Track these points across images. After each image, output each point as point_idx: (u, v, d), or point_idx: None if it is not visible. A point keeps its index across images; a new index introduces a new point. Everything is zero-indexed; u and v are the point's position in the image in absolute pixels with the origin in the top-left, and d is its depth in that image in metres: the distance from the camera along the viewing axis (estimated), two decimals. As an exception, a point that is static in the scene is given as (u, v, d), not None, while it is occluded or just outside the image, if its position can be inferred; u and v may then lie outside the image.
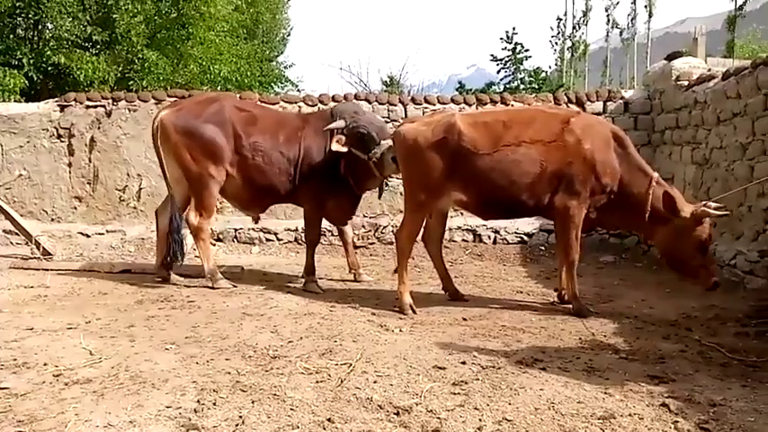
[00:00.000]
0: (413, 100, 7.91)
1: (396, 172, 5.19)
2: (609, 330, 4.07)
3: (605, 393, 2.84)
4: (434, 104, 7.79)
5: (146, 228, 7.38)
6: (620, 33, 25.66)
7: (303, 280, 5.40)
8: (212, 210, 5.47)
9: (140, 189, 7.62)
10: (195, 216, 5.30)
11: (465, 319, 4.32)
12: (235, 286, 5.25)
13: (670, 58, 7.17)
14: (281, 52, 22.58)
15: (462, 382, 2.97)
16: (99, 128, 7.60)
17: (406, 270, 4.71)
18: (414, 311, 4.50)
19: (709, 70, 6.76)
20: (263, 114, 5.57)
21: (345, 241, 5.92)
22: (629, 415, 2.60)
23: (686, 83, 6.78)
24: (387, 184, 6.63)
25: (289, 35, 23.50)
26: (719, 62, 8.42)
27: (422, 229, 4.93)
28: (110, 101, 7.64)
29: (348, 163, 5.28)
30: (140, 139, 7.55)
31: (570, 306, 4.62)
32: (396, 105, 7.78)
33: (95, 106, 7.61)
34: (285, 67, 21.20)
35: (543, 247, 7.28)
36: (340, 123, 5.26)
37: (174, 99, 7.59)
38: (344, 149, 5.13)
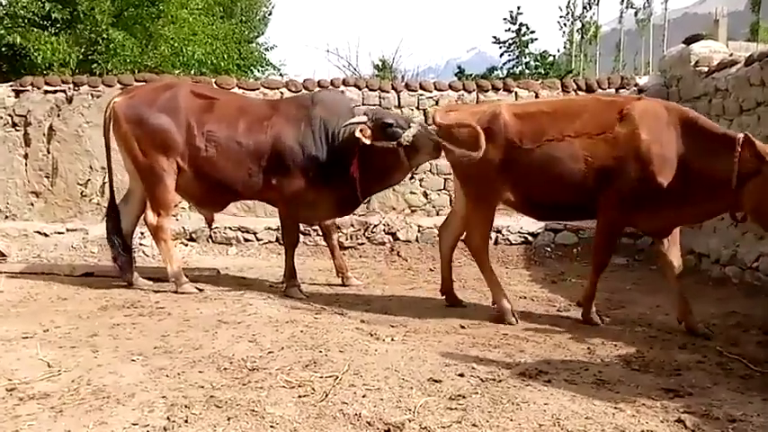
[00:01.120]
0: (407, 86, 7.92)
1: (431, 156, 5.19)
2: (620, 340, 4.09)
3: (615, 408, 2.86)
4: (430, 91, 7.81)
5: (111, 226, 7.32)
6: (635, 14, 25.88)
7: (284, 285, 5.39)
8: (170, 206, 5.47)
9: (104, 184, 7.54)
10: (153, 215, 5.30)
11: (463, 327, 4.34)
12: (201, 290, 5.24)
13: (688, 41, 7.21)
14: (262, 33, 22.49)
15: (460, 396, 2.98)
16: (59, 116, 7.55)
17: (492, 274, 4.76)
18: (516, 320, 4.52)
19: (731, 55, 6.79)
20: (224, 101, 5.50)
21: (331, 242, 5.92)
22: (641, 432, 2.63)
23: (706, 69, 6.82)
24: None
25: (270, 14, 23.43)
26: (742, 46, 8.45)
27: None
28: (71, 86, 7.60)
29: (364, 162, 5.21)
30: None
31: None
32: (388, 92, 7.78)
33: (54, 92, 7.56)
34: (266, 50, 21.12)
35: (549, 249, 7.31)
36: (361, 118, 5.22)
37: (143, 84, 7.57)
38: (368, 141, 5.08)
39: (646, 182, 4.18)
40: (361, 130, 5.08)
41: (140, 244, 7.11)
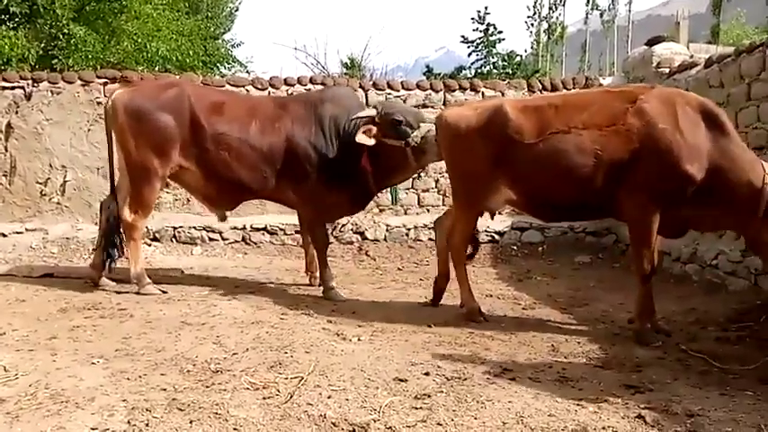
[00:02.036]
0: (374, 85, 7.92)
1: (439, 158, 5.09)
2: (583, 337, 4.16)
3: (578, 405, 2.91)
4: (398, 90, 7.83)
5: (71, 226, 7.20)
6: (601, 15, 26.30)
7: (322, 288, 5.37)
8: (150, 208, 5.39)
9: (65, 182, 7.41)
10: (130, 213, 5.22)
11: (431, 326, 4.36)
12: (165, 292, 5.17)
13: (651, 43, 7.36)
14: (228, 29, 22.28)
15: (425, 395, 2.99)
16: (17, 112, 7.35)
17: (465, 273, 4.71)
18: (484, 319, 4.53)
19: (692, 57, 6.96)
20: (232, 101, 5.45)
21: (308, 242, 5.84)
22: (603, 428, 2.67)
23: (667, 70, 6.98)
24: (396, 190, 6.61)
25: (237, 10, 23.22)
26: (702, 48, 8.68)
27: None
28: (29, 82, 7.39)
29: (373, 156, 5.18)
30: (65, 125, 7.35)
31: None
32: (356, 91, 7.76)
33: (12, 88, 7.35)
34: (233, 46, 20.93)
35: (515, 247, 7.40)
36: (371, 111, 5.18)
37: (104, 80, 7.44)
38: (372, 142, 5.04)
39: (669, 174, 3.91)
40: (364, 132, 5.03)
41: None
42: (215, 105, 5.28)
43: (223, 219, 5.91)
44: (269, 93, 7.48)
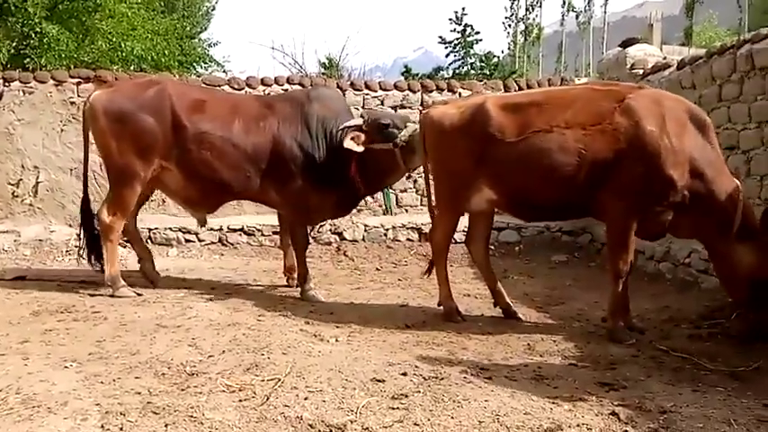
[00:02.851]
0: (352, 85, 7.93)
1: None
2: (559, 335, 4.20)
3: (553, 403, 2.93)
4: (376, 90, 7.84)
5: (44, 228, 7.10)
6: (577, 17, 26.56)
7: (300, 290, 5.33)
8: (129, 210, 5.32)
9: (37, 183, 7.30)
10: (108, 214, 5.16)
11: (408, 326, 4.37)
12: (140, 294, 5.12)
13: (625, 44, 7.46)
14: (205, 28, 22.16)
15: (402, 395, 3.00)
16: (-13, 112, 7.23)
17: (445, 273, 4.68)
18: (462, 318, 4.53)
19: (665, 58, 7.07)
20: (215, 100, 5.39)
21: (287, 243, 5.81)
22: (577, 425, 2.70)
23: (641, 71, 7.07)
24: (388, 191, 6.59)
25: (213, 9, 23.11)
26: (675, 50, 8.85)
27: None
28: (0, 81, 7.27)
29: (362, 162, 5.15)
30: (37, 125, 7.25)
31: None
32: (333, 91, 7.76)
33: (-18, 87, 7.23)
34: (209, 46, 20.82)
35: (492, 247, 7.39)
36: (358, 121, 5.15)
37: (78, 80, 7.34)
38: (360, 149, 5.02)
39: (654, 176, 3.88)
40: (352, 138, 5.01)
41: (76, 246, 6.90)
42: (197, 104, 5.21)
43: (203, 223, 5.87)
44: (245, 93, 7.43)
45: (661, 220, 4.07)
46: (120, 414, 2.72)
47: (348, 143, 5.01)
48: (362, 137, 5.05)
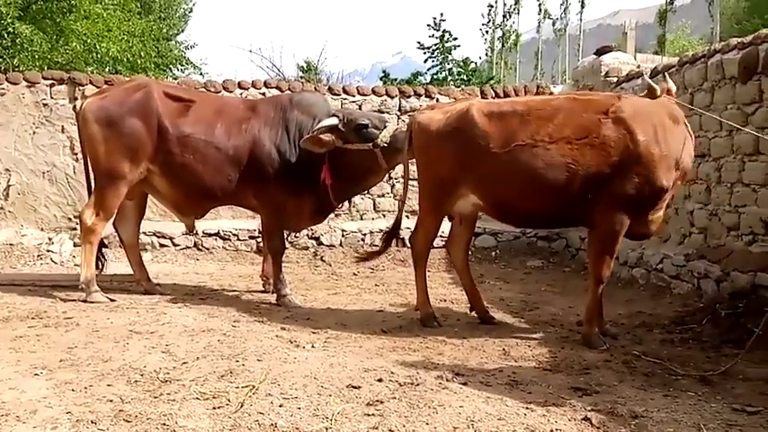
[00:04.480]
0: (330, 90, 7.92)
1: (410, 156, 4.88)
2: (534, 340, 4.24)
3: (527, 409, 2.96)
4: (354, 95, 7.85)
5: (15, 232, 6.98)
6: (553, 24, 26.82)
7: (275, 295, 5.29)
8: (112, 213, 5.27)
9: (8, 186, 7.17)
10: (91, 215, 5.13)
11: (385, 332, 4.37)
12: (113, 300, 5.06)
13: (599, 52, 7.57)
14: (182, 30, 21.97)
15: (378, 401, 3.00)
16: (-43, 114, 7.09)
17: (424, 278, 4.67)
18: (438, 324, 4.51)
19: (639, 66, 7.19)
20: (199, 103, 5.34)
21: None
22: (551, 431, 2.73)
23: (615, 79, 7.18)
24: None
25: (191, 11, 22.93)
26: (649, 58, 8.99)
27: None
28: (-29, 82, 7.14)
29: (339, 164, 5.08)
30: (9, 127, 7.13)
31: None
32: (310, 96, 7.74)
33: (-48, 88, 7.09)
34: (186, 48, 20.62)
35: (469, 252, 7.46)
36: (332, 121, 5.05)
37: (51, 81, 7.24)
38: (320, 150, 4.98)
39: (650, 186, 3.94)
40: (320, 138, 4.94)
41: (48, 251, 6.80)
42: (181, 107, 5.20)
43: (192, 229, 5.83)
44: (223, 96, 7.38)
45: (650, 222, 4.17)
46: (92, 422, 2.68)
47: (304, 143, 4.99)
48: (325, 138, 4.98)
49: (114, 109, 5.10)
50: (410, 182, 4.97)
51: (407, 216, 7.52)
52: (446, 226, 4.93)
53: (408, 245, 4.99)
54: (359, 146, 5.05)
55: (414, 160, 4.78)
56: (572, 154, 3.98)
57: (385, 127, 5.09)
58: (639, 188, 3.94)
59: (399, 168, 7.23)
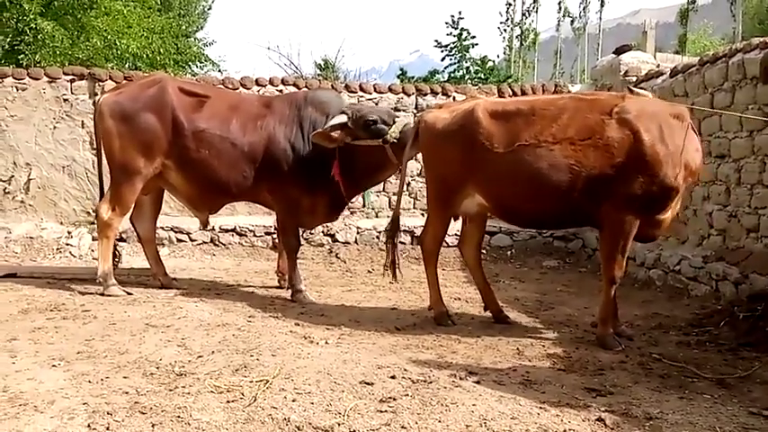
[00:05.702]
0: (347, 87, 7.93)
1: (420, 151, 4.89)
2: (548, 340, 4.22)
3: (540, 408, 2.95)
4: (371, 93, 7.85)
5: (35, 225, 7.07)
6: (572, 22, 26.66)
7: (290, 292, 5.31)
8: (128, 207, 5.33)
9: (29, 180, 7.27)
10: (107, 209, 5.20)
11: (398, 329, 4.37)
12: (130, 293, 5.11)
13: (618, 51, 7.50)
14: (201, 27, 22.10)
15: (390, 398, 3.00)
16: (-21, 108, 7.20)
17: (435, 276, 4.67)
18: (452, 322, 4.52)
19: (658, 66, 7.12)
20: (214, 99, 5.37)
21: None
22: (564, 431, 2.71)
23: (635, 78, 7.11)
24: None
25: (210, 8, 23.05)
26: (669, 58, 8.87)
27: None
28: (-7, 78, 7.25)
29: (349, 160, 5.10)
30: (30, 122, 7.22)
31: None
32: (327, 93, 7.75)
33: (-25, 83, 7.20)
34: (205, 45, 20.73)
35: (484, 251, 7.43)
36: (341, 118, 5.05)
37: (72, 77, 7.32)
38: (331, 145, 4.99)
39: (660, 188, 3.91)
40: (330, 135, 4.95)
41: (67, 244, 6.89)
42: (195, 102, 5.24)
43: (205, 224, 5.86)
44: (240, 93, 7.43)
45: (660, 222, 4.13)
46: (107, 413, 2.72)
47: (314, 138, 5.00)
48: (336, 134, 4.99)
49: (129, 104, 5.16)
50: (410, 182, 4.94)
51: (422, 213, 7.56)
52: (459, 224, 4.91)
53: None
54: (369, 142, 5.05)
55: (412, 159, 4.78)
56: (576, 154, 3.95)
57: (395, 122, 5.08)
58: (646, 188, 3.90)
59: (414, 165, 7.28)
